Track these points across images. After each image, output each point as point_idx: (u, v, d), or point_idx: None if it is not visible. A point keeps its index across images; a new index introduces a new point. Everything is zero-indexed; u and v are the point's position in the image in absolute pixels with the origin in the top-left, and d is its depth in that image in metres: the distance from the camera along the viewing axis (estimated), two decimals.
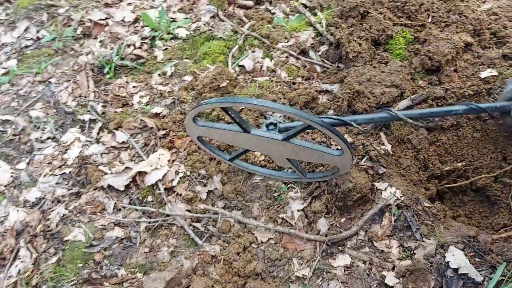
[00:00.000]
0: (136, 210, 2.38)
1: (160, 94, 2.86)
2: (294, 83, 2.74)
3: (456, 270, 1.93)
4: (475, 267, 1.93)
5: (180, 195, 2.39)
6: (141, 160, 2.53)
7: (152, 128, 2.67)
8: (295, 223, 2.25)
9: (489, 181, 2.53)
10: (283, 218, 2.27)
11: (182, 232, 2.29)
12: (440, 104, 2.55)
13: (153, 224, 2.32)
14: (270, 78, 2.78)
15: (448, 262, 1.94)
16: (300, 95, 2.60)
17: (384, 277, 1.99)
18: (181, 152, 2.54)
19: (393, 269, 2.01)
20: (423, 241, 2.05)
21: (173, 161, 2.52)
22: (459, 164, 2.60)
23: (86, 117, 2.80)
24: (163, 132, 2.63)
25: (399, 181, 2.33)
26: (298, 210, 2.28)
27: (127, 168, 2.50)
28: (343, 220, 2.24)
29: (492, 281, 1.87)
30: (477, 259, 1.98)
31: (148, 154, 2.56)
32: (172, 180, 2.46)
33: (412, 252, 2.05)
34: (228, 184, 2.41)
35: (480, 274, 1.91)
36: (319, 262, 2.11)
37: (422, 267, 1.94)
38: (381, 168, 2.33)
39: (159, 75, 2.97)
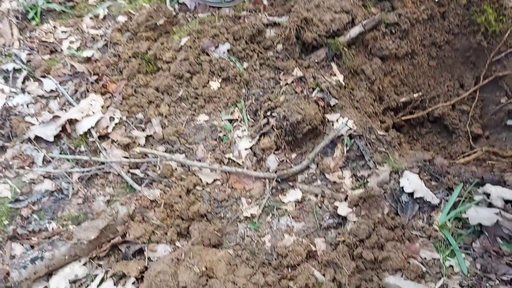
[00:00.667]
0: (68, 160, 2.15)
1: (92, 38, 2.59)
2: (239, 18, 2.52)
3: (411, 194, 1.80)
4: (431, 191, 1.82)
5: (116, 141, 2.16)
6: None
7: (83, 73, 2.41)
8: (242, 162, 2.07)
9: (447, 110, 2.42)
10: (229, 158, 2.09)
11: (119, 180, 2.09)
12: (394, 31, 2.39)
13: (87, 173, 2.09)
14: (212, 13, 2.54)
15: (402, 187, 1.81)
16: (245, 28, 2.39)
17: (336, 208, 1.85)
18: (115, 97, 2.31)
19: (345, 199, 1.88)
20: (377, 169, 1.92)
21: (107, 106, 2.29)
22: (416, 95, 2.48)
23: (10, 66, 2.51)
24: (95, 77, 2.38)
25: (352, 113, 2.18)
26: (246, 149, 2.10)
27: (56, 117, 2.25)
28: (293, 156, 2.08)
29: (449, 203, 1.76)
30: (433, 183, 1.86)
31: (80, 101, 2.31)
32: (107, 126, 2.23)
33: (366, 180, 1.92)
34: (168, 127, 2.20)
35: (436, 197, 1.79)
36: (269, 200, 1.95)
37: (376, 194, 1.80)
38: (332, 99, 2.17)
39: (90, 18, 2.69)
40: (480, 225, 1.68)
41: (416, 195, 1.79)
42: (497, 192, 1.74)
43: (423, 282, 1.63)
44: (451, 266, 1.65)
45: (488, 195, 1.75)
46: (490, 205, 1.74)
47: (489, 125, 2.36)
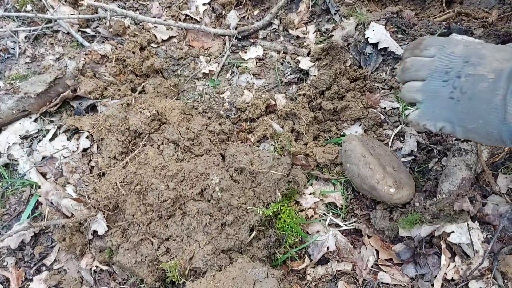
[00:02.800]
0: (13, 20, 1.97)
1: None
2: None
3: (375, 45, 1.72)
4: (397, 42, 1.73)
5: None
6: None
7: None
8: (200, 18, 1.93)
9: None
10: (187, 15, 1.94)
11: (69, 38, 1.94)
12: None
13: (34, 32, 1.93)
14: None
15: (367, 38, 1.72)
16: None
17: (298, 62, 1.77)
18: None
19: (308, 54, 1.79)
20: (343, 22, 1.81)
21: None
22: None
23: None
24: None
25: None
26: (204, 4, 1.95)
27: None
28: (256, 12, 1.95)
29: None
30: (399, 35, 1.77)
31: None
32: None
33: (330, 34, 1.82)
34: None
35: (401, 48, 1.71)
36: (228, 57, 1.85)
37: (339, 46, 1.71)
38: None
39: None
40: None
41: (380, 46, 1.71)
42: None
43: (381, 129, 1.61)
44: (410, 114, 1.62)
45: None
46: None
47: None
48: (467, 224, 1.34)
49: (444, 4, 2.24)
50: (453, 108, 1.00)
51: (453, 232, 1.32)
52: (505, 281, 1.34)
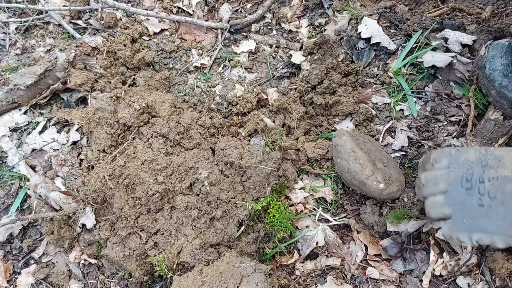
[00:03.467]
0: (4, 11, 1.95)
1: None
2: None
3: (368, 40, 1.71)
4: (389, 37, 1.73)
5: None
6: None
7: None
8: (193, 11, 1.92)
9: None
10: (179, 7, 1.93)
11: (60, 30, 1.92)
12: None
13: (25, 23, 1.91)
14: None
15: (360, 32, 1.71)
16: None
17: (291, 56, 1.76)
18: None
19: (301, 48, 1.78)
20: (335, 16, 1.80)
21: None
22: None
23: None
24: None
25: None
26: None
27: None
28: (249, 5, 1.93)
29: (406, 48, 1.68)
30: (392, 30, 1.76)
31: None
32: None
33: (323, 29, 1.81)
34: None
35: (394, 43, 1.71)
36: (221, 51, 1.84)
37: (331, 40, 1.70)
38: None
39: None
40: (434, 68, 1.63)
41: (373, 41, 1.70)
42: (455, 37, 1.66)
43: (372, 124, 1.61)
44: (401, 110, 1.62)
45: (446, 39, 1.67)
46: (447, 50, 1.67)
47: None
48: None
49: (438, 0, 2.23)
50: (486, 216, 0.96)
51: (440, 228, 1.32)
52: (493, 277, 1.34)
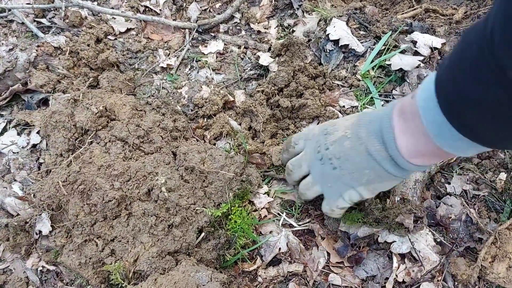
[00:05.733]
0: None
1: None
2: None
3: (336, 42, 1.69)
4: (358, 39, 1.70)
5: None
6: None
7: None
8: (160, 10, 1.87)
9: None
10: (146, 6, 1.88)
11: (24, 29, 1.87)
12: None
13: None
14: None
15: (328, 34, 1.69)
16: None
17: (258, 58, 1.72)
18: None
19: (269, 49, 1.75)
20: (304, 17, 1.77)
21: None
22: None
23: None
24: None
25: None
26: None
27: None
28: (218, 5, 1.89)
29: (374, 50, 1.66)
30: (361, 32, 1.74)
31: None
32: None
33: (292, 30, 1.78)
34: None
35: (363, 45, 1.69)
36: (188, 51, 1.80)
37: (299, 42, 1.67)
38: None
39: None
40: (402, 72, 1.61)
41: (341, 43, 1.68)
42: (424, 40, 1.64)
43: None
44: None
45: (415, 43, 1.65)
46: (416, 53, 1.65)
47: None
48: (408, 237, 1.33)
49: (413, 0, 2.22)
50: (341, 175, 1.06)
51: (394, 241, 1.31)
52: (456, 283, 1.33)
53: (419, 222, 1.32)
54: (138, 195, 1.31)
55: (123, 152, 1.38)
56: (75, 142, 1.42)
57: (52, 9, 1.86)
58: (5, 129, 1.65)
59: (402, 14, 2.08)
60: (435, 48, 1.64)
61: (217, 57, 1.79)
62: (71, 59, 1.71)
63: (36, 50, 1.69)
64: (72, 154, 1.39)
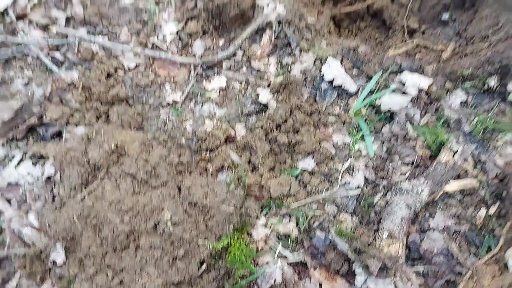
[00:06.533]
0: None
1: None
2: None
3: (331, 81, 1.81)
4: (351, 78, 1.82)
5: (35, 22, 2.02)
6: None
7: None
8: (167, 47, 1.99)
9: (386, 2, 2.34)
10: (154, 43, 2.00)
11: (38, 63, 1.99)
12: None
13: (4, 55, 1.98)
14: None
15: (323, 74, 1.81)
16: None
17: (258, 95, 1.84)
18: None
19: (268, 86, 1.87)
20: (302, 56, 1.89)
21: None
22: None
23: None
24: None
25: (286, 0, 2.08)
26: (171, 33, 2.01)
27: None
28: (221, 42, 2.01)
29: (366, 90, 1.78)
30: (354, 71, 1.86)
31: None
32: (25, 6, 2.06)
33: (289, 68, 1.90)
34: (90, 7, 2.05)
35: (356, 84, 1.80)
36: (193, 86, 1.92)
37: (296, 81, 1.79)
38: None
39: None
40: (391, 111, 1.73)
41: (335, 83, 1.79)
42: (412, 80, 1.76)
43: (332, 163, 1.70)
44: (359, 149, 1.72)
45: (403, 83, 1.77)
46: (405, 92, 1.77)
47: (426, 20, 2.32)
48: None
49: (406, 34, 2.34)
50: None
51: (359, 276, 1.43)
52: None
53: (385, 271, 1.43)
54: (146, 229, 1.43)
55: (132, 187, 1.50)
56: (88, 176, 1.54)
57: (65, 44, 1.98)
58: (21, 160, 1.77)
59: (395, 49, 2.20)
60: (422, 90, 1.75)
61: (220, 92, 1.90)
62: (84, 94, 1.83)
63: (51, 85, 1.81)
64: (85, 188, 1.51)
